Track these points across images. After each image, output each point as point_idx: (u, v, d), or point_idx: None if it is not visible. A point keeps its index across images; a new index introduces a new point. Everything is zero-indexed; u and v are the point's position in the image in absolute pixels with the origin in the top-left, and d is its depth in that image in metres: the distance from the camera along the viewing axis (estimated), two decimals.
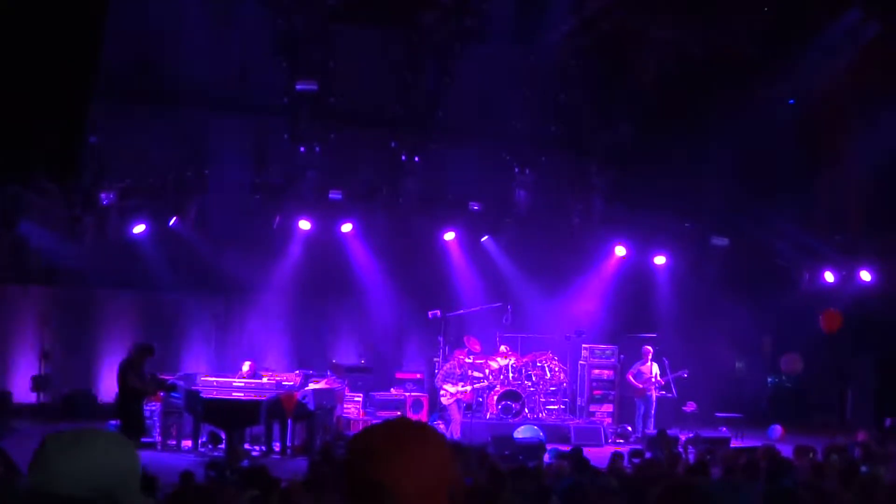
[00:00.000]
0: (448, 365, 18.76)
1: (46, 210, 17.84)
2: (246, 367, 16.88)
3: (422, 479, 2.28)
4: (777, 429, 19.79)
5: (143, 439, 14.84)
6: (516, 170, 21.23)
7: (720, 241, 21.92)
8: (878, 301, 21.34)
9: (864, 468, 11.19)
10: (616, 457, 11.79)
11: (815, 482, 9.39)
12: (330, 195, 19.91)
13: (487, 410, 18.85)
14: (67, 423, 16.44)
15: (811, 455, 12.36)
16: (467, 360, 18.85)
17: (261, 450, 15.90)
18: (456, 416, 18.16)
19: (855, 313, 21.57)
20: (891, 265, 21.46)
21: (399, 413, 18.17)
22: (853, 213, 22.42)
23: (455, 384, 18.42)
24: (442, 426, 18.33)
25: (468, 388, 18.50)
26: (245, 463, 12.42)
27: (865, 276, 21.65)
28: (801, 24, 19.11)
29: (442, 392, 18.47)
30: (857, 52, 19.15)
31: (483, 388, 18.93)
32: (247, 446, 15.68)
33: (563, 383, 19.77)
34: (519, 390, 18.99)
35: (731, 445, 16.25)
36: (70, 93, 12.00)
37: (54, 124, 12.06)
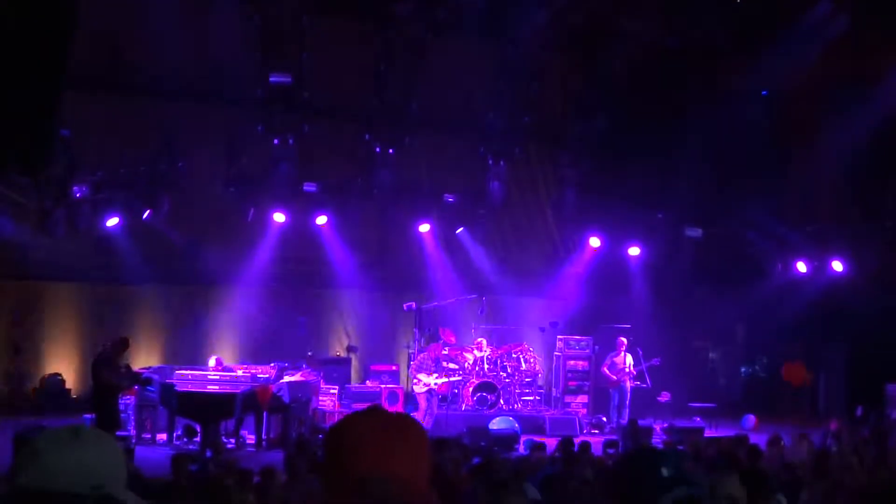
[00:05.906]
0: (422, 355, 18.69)
1: (18, 203, 17.67)
2: (212, 362, 16.79)
3: (409, 471, 2.22)
4: (750, 418, 19.96)
5: (118, 433, 14.76)
6: (490, 162, 21.28)
7: (693, 232, 22.03)
8: (849, 290, 21.50)
9: (835, 456, 11.32)
10: (586, 446, 11.80)
11: (785, 471, 9.50)
12: (304, 187, 19.86)
13: (463, 402, 18.87)
14: (40, 417, 16.33)
15: (781, 444, 12.47)
16: (443, 352, 18.85)
17: (236, 443, 15.85)
18: (423, 405, 17.89)
19: (826, 303, 21.75)
20: (862, 255, 21.64)
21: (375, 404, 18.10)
22: (825, 204, 22.60)
23: (429, 374, 18.30)
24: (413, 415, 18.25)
25: (442, 379, 18.40)
26: (208, 454, 12.39)
27: (837, 265, 21.83)
28: (772, 16, 19.24)
29: (415, 381, 18.29)
30: (828, 44, 19.29)
31: (458, 380, 18.94)
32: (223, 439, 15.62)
33: (538, 374, 19.84)
34: (494, 382, 19.02)
35: (705, 435, 16.36)
36: (41, 86, 11.93)
37: (25, 117, 11.98)
